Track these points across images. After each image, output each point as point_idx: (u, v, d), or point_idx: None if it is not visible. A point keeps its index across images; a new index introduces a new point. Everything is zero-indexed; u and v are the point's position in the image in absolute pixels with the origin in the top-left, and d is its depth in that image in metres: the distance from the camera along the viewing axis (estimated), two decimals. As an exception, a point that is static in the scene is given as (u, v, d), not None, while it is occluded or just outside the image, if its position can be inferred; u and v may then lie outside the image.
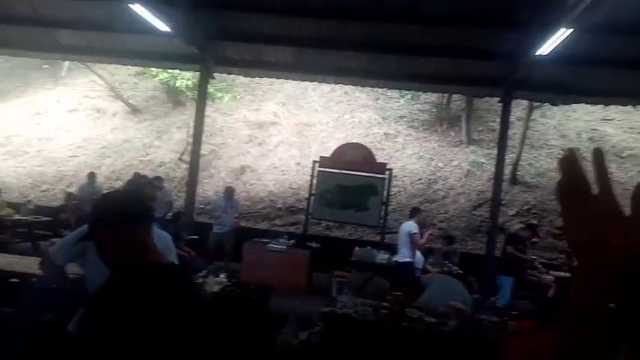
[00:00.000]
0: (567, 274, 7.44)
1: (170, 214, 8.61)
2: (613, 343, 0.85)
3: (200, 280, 5.03)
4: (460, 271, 7.50)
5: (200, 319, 1.53)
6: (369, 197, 9.10)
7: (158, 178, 8.84)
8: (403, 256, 7.09)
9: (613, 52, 7.21)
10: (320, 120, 14.02)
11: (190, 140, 9.83)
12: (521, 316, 5.55)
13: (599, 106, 11.11)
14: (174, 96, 15.06)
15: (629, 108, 11.20)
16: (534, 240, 8.27)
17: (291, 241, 8.51)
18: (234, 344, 4.64)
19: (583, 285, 0.78)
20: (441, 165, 12.64)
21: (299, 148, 13.30)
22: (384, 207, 9.04)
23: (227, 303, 5.00)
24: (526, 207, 11.40)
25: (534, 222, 9.51)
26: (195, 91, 10.49)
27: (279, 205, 11.98)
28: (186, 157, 11.21)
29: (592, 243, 0.72)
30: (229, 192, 9.12)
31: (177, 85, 14.03)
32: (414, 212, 7.60)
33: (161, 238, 2.30)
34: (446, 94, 13.47)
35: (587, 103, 10.08)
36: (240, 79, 12.61)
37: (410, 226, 7.24)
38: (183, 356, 1.41)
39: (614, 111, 12.49)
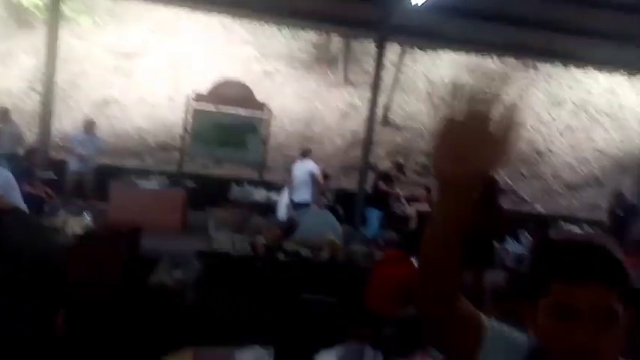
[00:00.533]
0: (427, 208, 8.20)
1: (21, 149, 7.60)
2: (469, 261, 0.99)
3: (59, 221, 4.58)
4: (333, 205, 7.85)
5: (47, 264, 1.35)
6: (248, 136, 8.95)
7: (3, 110, 7.69)
8: (302, 196, 7.04)
9: (482, 5, 7.74)
10: (194, 52, 13.16)
11: (43, 68, 8.61)
12: (388, 245, 6.03)
13: (465, 55, 11.98)
14: (19, 16, 12.90)
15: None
16: (400, 177, 8.94)
17: (165, 180, 8.11)
18: (102, 286, 4.37)
19: (442, 208, 0.87)
20: (319, 105, 12.81)
21: (171, 82, 12.43)
22: (263, 146, 8.98)
23: (91, 244, 4.65)
24: (395, 147, 12.19)
25: (401, 160, 10.23)
26: (46, 12, 9.09)
27: (150, 142, 11.26)
28: (39, 87, 9.85)
29: (453, 168, 0.81)
30: (89, 125, 8.21)
31: (24, 2, 12.03)
32: (307, 152, 7.68)
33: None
34: (325, 35, 13.47)
35: (454, 51, 10.84)
36: (102, 1, 11.19)
37: (310, 166, 7.28)
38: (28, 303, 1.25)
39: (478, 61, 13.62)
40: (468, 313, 0.99)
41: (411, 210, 8.61)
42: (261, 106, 9.04)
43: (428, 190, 8.80)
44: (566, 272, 0.88)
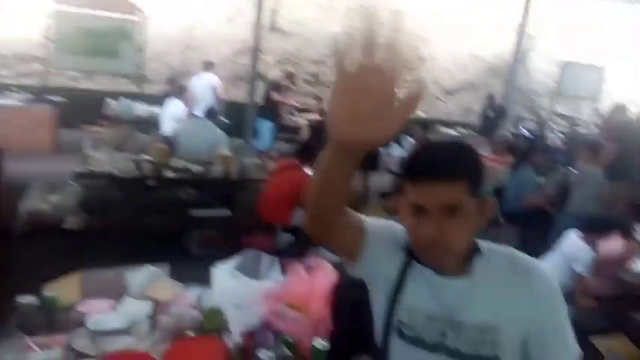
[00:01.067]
0: (318, 117, 8.28)
1: None
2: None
3: None
4: (222, 119, 7.59)
5: None
6: (121, 43, 8.06)
7: None
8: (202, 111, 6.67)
9: None
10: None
11: None
12: (281, 156, 6.06)
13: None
14: None
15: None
16: (291, 86, 8.82)
17: (27, 96, 7.16)
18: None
19: (331, 158, 0.86)
20: (200, 9, 11.82)
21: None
22: (139, 54, 8.17)
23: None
24: (284, 55, 11.86)
25: (291, 69, 10.04)
26: None
27: (4, 52, 9.70)
28: None
29: (348, 129, 0.77)
30: None
31: None
32: (210, 66, 7.37)
33: None
34: None
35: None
36: None
37: (213, 79, 7.06)
38: None
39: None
40: (351, 221, 1.08)
41: (302, 120, 8.65)
42: (133, 9, 8.10)
43: (318, 99, 8.85)
44: (413, 173, 0.99)
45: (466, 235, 1.00)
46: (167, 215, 4.55)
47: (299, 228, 3.93)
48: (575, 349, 1.04)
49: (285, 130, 8.38)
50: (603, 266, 3.20)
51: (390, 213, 5.06)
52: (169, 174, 4.43)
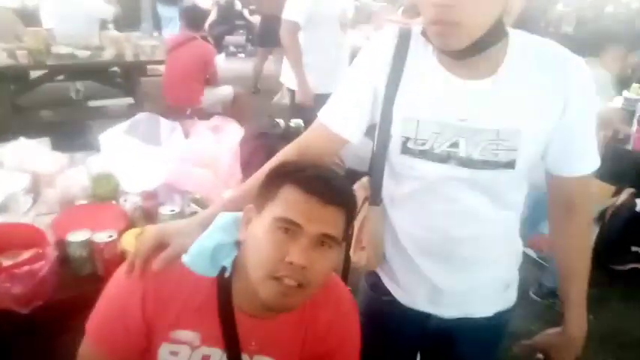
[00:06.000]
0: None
1: None
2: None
3: None
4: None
5: None
6: None
7: None
8: None
9: None
10: None
11: None
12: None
13: None
14: None
15: None
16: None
17: None
18: None
19: None
20: None
21: None
22: None
23: None
24: None
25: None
26: None
27: None
28: None
29: None
30: None
31: None
32: None
33: None
34: None
35: None
36: None
37: None
38: None
39: None
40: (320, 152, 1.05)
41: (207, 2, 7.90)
42: None
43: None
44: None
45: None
46: (59, 109, 4.09)
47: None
48: (595, 160, 0.97)
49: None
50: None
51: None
52: (52, 61, 3.89)
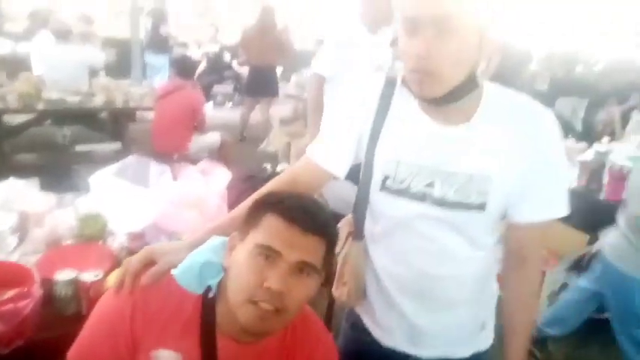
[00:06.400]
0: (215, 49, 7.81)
1: None
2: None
3: None
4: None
5: None
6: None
7: None
8: None
9: None
10: None
11: None
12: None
13: None
14: None
15: None
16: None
17: None
18: None
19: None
20: None
21: None
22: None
23: None
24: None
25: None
26: None
27: None
28: None
29: None
30: None
31: None
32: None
33: None
34: None
35: None
36: None
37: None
38: None
39: None
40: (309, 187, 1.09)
41: (197, 53, 8.14)
42: None
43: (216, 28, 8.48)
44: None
45: None
46: (46, 153, 4.10)
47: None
48: (563, 208, 1.00)
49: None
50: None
51: (293, 137, 5.03)
52: (41, 106, 3.94)
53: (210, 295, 0.93)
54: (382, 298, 1.09)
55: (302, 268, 0.86)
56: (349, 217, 1.17)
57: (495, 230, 1.06)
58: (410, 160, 0.98)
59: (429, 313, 1.06)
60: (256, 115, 6.27)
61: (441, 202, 0.97)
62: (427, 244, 1.01)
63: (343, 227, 1.15)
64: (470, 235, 1.00)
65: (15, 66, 5.89)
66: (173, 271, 0.92)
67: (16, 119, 4.26)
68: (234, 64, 8.41)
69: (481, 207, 0.96)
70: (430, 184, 0.97)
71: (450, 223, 0.98)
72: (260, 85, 5.79)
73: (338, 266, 1.15)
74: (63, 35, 4.49)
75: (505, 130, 0.95)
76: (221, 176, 2.14)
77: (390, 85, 1.03)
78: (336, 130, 1.08)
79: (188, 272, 0.92)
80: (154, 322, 0.90)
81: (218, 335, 0.92)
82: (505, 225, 1.05)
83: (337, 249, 1.11)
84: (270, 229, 0.87)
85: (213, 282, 0.93)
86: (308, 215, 0.88)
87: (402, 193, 0.99)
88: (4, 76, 4.99)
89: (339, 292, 1.15)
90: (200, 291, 0.93)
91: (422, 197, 0.98)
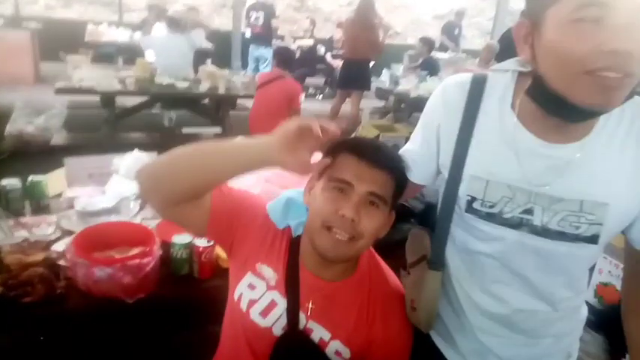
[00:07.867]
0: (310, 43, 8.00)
1: None
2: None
3: None
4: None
5: None
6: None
7: None
8: None
9: None
10: None
11: None
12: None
13: None
14: None
15: None
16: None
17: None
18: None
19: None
20: None
21: None
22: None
23: None
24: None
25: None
26: None
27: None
28: None
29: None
30: None
31: None
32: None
33: None
34: None
35: None
36: None
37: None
38: None
39: None
40: None
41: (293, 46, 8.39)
42: None
43: (312, 22, 8.70)
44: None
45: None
46: (154, 133, 4.46)
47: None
48: None
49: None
50: None
51: (382, 130, 5.01)
52: (154, 89, 4.30)
53: (296, 234, 1.05)
54: (459, 324, 1.01)
55: (372, 200, 0.93)
56: (421, 233, 1.07)
57: (596, 259, 0.97)
58: (503, 180, 0.85)
59: (515, 347, 0.97)
60: (347, 108, 6.34)
61: (542, 232, 0.84)
62: (518, 277, 0.91)
63: (413, 244, 1.10)
64: (569, 270, 0.89)
65: (132, 53, 6.50)
66: (268, 205, 1.08)
67: (129, 101, 4.68)
68: (328, 57, 8.55)
69: (592, 239, 0.82)
70: (528, 211, 0.84)
71: (549, 256, 0.86)
72: (353, 79, 5.83)
73: (407, 288, 1.07)
74: (174, 25, 4.88)
75: (628, 149, 0.80)
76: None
77: (478, 85, 0.90)
78: (418, 143, 1.00)
79: (277, 205, 1.07)
80: (267, 239, 1.06)
81: (301, 268, 1.03)
82: (631, 249, 0.91)
83: (407, 268, 1.08)
84: (343, 164, 0.94)
85: (294, 223, 1.05)
86: (377, 151, 0.96)
87: (493, 217, 0.87)
88: (122, 61, 5.53)
89: (408, 315, 1.07)
90: (281, 226, 1.06)
91: (517, 225, 0.85)
